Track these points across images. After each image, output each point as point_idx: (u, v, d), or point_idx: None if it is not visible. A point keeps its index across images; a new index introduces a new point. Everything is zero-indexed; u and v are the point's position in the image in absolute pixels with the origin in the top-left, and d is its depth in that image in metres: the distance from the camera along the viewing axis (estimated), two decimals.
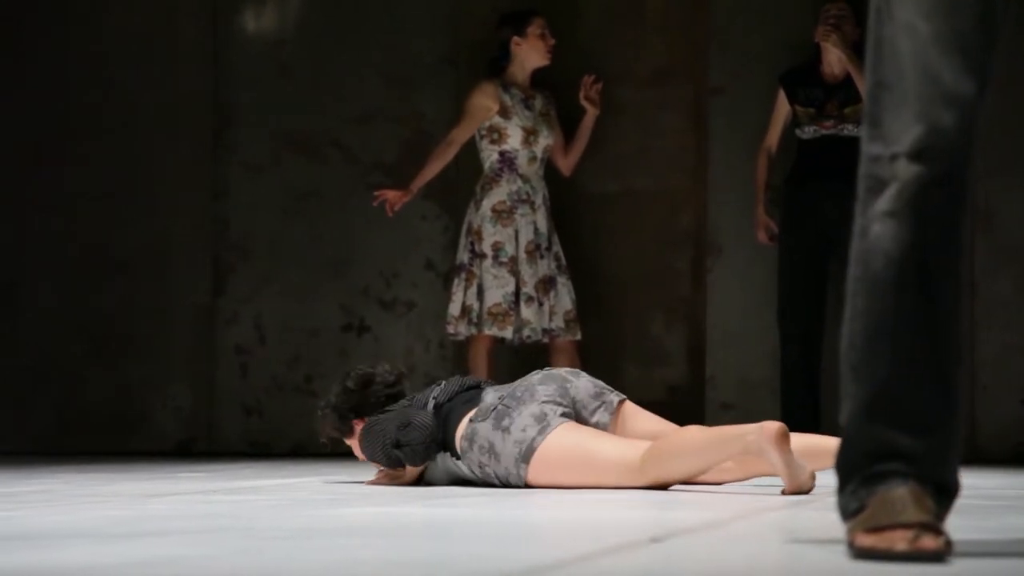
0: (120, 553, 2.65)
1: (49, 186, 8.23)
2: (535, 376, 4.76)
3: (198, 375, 8.18)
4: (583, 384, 4.75)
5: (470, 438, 4.64)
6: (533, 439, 4.57)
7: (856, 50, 7.08)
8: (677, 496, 4.27)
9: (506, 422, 4.60)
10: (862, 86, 6.49)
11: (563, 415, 4.63)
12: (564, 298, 7.44)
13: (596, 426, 4.71)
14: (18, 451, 7.81)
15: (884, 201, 2.46)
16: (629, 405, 4.80)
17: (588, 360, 7.55)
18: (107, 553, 2.65)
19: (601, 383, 4.81)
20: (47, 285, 8.22)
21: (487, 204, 7.37)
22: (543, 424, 4.59)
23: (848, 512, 2.48)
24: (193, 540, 2.88)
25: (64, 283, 8.22)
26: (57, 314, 8.21)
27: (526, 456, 4.57)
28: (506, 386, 4.78)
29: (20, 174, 8.26)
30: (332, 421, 5.00)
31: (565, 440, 4.57)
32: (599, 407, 4.74)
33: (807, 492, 4.26)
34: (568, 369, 4.90)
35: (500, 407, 4.63)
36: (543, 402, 4.63)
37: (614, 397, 4.77)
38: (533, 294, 7.32)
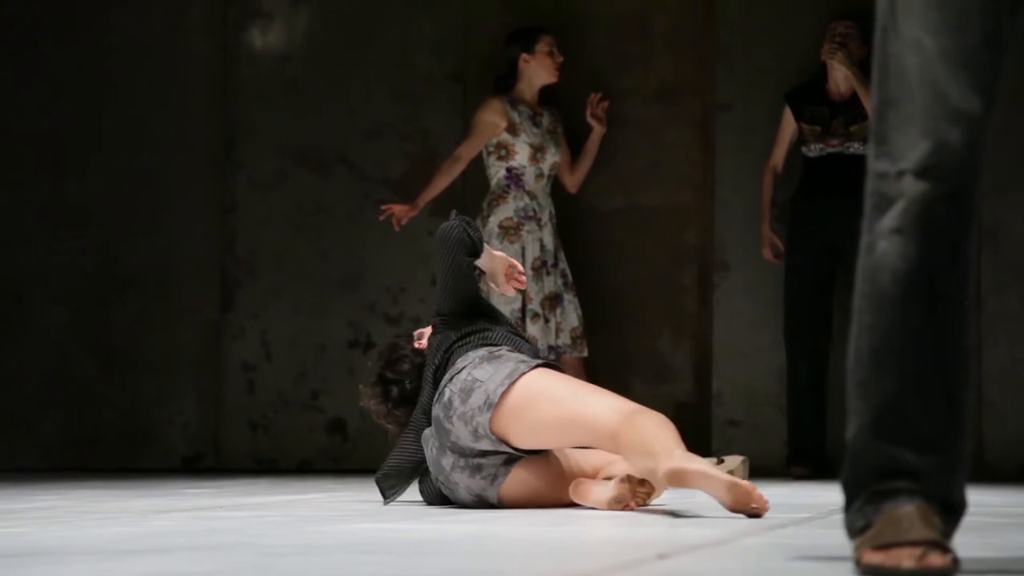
0: (125, 570, 2.65)
1: (57, 201, 8.24)
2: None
3: (205, 391, 8.18)
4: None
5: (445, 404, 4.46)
6: (501, 382, 4.33)
7: (862, 68, 7.08)
8: (684, 513, 4.26)
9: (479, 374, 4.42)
10: (868, 104, 6.50)
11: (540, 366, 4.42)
12: (571, 315, 7.44)
13: None
14: (24, 467, 7.81)
15: (891, 218, 2.46)
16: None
17: (594, 376, 7.55)
18: (112, 570, 2.64)
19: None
20: (54, 300, 8.23)
21: (494, 220, 7.37)
22: (514, 371, 4.37)
23: (855, 529, 2.47)
24: (198, 557, 2.87)
25: (71, 298, 8.22)
26: (64, 329, 8.21)
27: (492, 402, 4.32)
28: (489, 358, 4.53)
29: (28, 189, 8.27)
30: (377, 396, 4.83)
31: (537, 383, 4.34)
32: None
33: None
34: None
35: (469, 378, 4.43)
36: (519, 361, 4.43)
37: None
38: (539, 311, 7.32)
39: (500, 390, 4.33)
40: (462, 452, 4.39)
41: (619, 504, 4.22)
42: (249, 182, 8.21)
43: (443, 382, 4.47)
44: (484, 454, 4.38)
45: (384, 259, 8.03)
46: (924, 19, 2.48)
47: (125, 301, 8.21)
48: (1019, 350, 7.37)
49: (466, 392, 4.39)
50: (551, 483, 4.44)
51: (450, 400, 4.41)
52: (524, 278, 4.81)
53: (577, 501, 4.37)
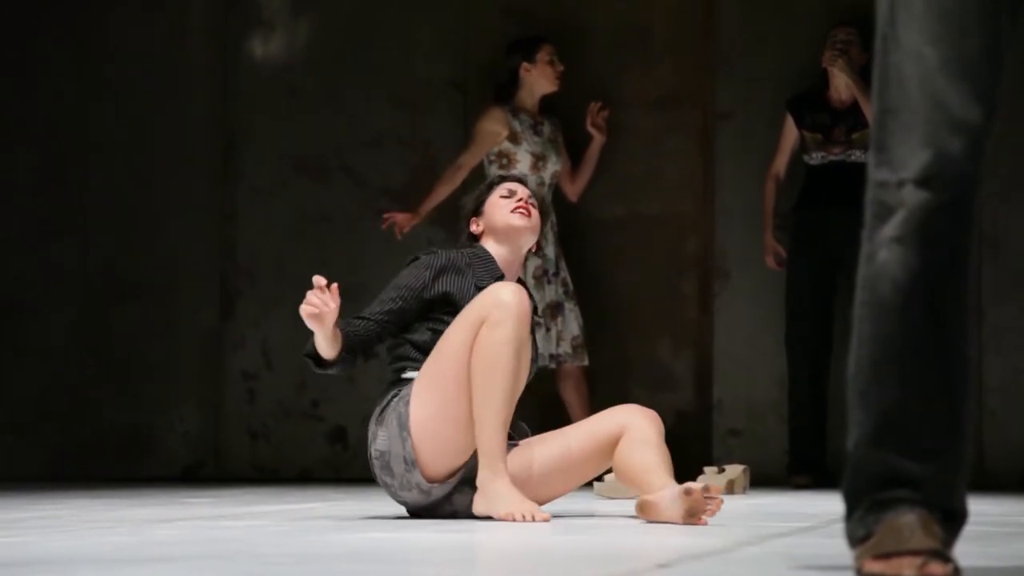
0: None
1: (58, 209, 8.24)
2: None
3: (205, 400, 8.18)
4: None
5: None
6: (401, 437, 4.35)
7: (863, 75, 7.08)
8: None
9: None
10: (869, 112, 6.50)
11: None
12: (571, 324, 7.44)
13: None
14: (24, 476, 7.80)
15: (891, 227, 2.46)
16: None
17: (595, 385, 7.55)
18: None
19: None
20: (55, 309, 8.23)
21: None
22: (401, 423, 4.37)
23: (855, 539, 2.47)
24: (199, 566, 2.87)
25: (72, 307, 8.22)
26: (64, 338, 8.21)
27: (412, 458, 4.35)
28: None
29: (28, 198, 8.27)
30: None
31: (418, 417, 4.34)
32: None
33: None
34: None
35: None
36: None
37: None
38: (540, 319, 7.32)
39: (408, 445, 4.34)
40: (428, 497, 4.41)
41: (694, 518, 4.09)
42: (249, 190, 8.21)
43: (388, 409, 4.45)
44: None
45: (385, 268, 8.02)
46: (924, 28, 2.48)
47: (125, 309, 8.20)
48: (1020, 359, 7.37)
49: (385, 467, 4.40)
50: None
51: (380, 473, 4.44)
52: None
53: (647, 518, 4.28)
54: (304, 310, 4.24)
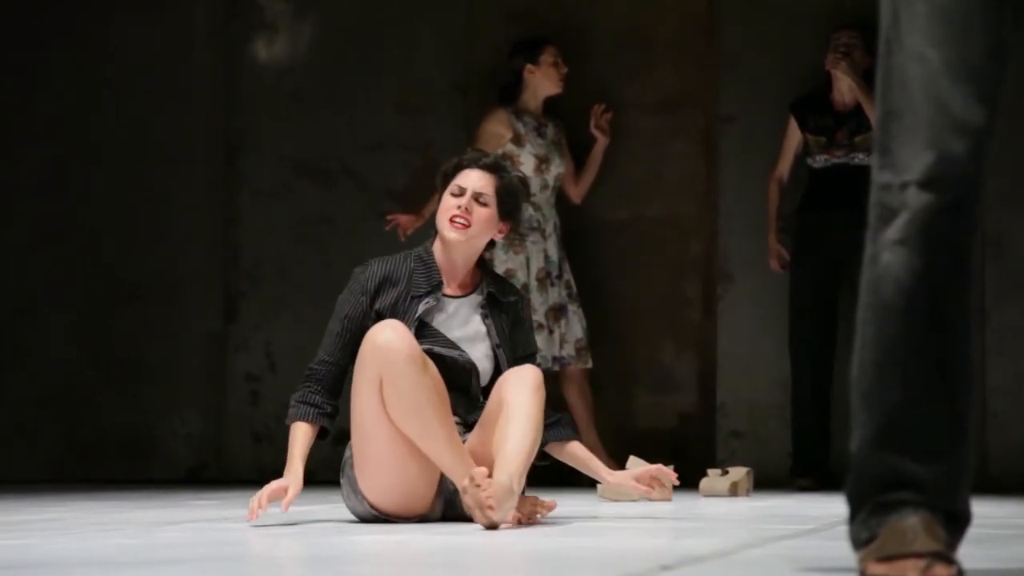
0: None
1: (61, 213, 8.24)
2: None
3: (208, 402, 8.18)
4: None
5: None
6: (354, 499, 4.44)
7: (866, 78, 7.08)
8: (688, 524, 4.26)
9: None
10: (872, 114, 6.49)
11: None
12: (575, 326, 7.44)
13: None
14: (28, 479, 7.81)
15: (894, 229, 2.47)
16: None
17: (599, 387, 7.55)
18: None
19: None
20: (58, 312, 8.23)
21: None
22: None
23: (859, 541, 2.47)
24: (203, 568, 2.87)
25: (75, 310, 8.22)
26: (68, 341, 8.22)
27: (355, 487, 4.42)
28: None
29: (32, 201, 8.27)
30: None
31: (362, 451, 4.40)
32: None
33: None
34: None
35: None
36: None
37: None
38: (543, 322, 7.32)
39: (366, 505, 4.40)
40: (427, 518, 4.41)
41: (480, 513, 3.98)
42: (253, 194, 8.21)
43: None
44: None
45: None
46: (927, 31, 2.49)
47: (129, 313, 8.21)
48: (1023, 362, 7.36)
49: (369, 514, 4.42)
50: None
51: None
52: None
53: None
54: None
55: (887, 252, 2.47)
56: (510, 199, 4.56)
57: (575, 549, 3.48)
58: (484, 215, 4.50)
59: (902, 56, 2.50)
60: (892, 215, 2.47)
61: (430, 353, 4.34)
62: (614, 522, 4.43)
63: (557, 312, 7.39)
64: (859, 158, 7.21)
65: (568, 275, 7.49)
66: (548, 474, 7.76)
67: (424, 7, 8.11)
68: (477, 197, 4.51)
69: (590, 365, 7.45)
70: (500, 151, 7.46)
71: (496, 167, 4.60)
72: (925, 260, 2.45)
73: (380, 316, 4.42)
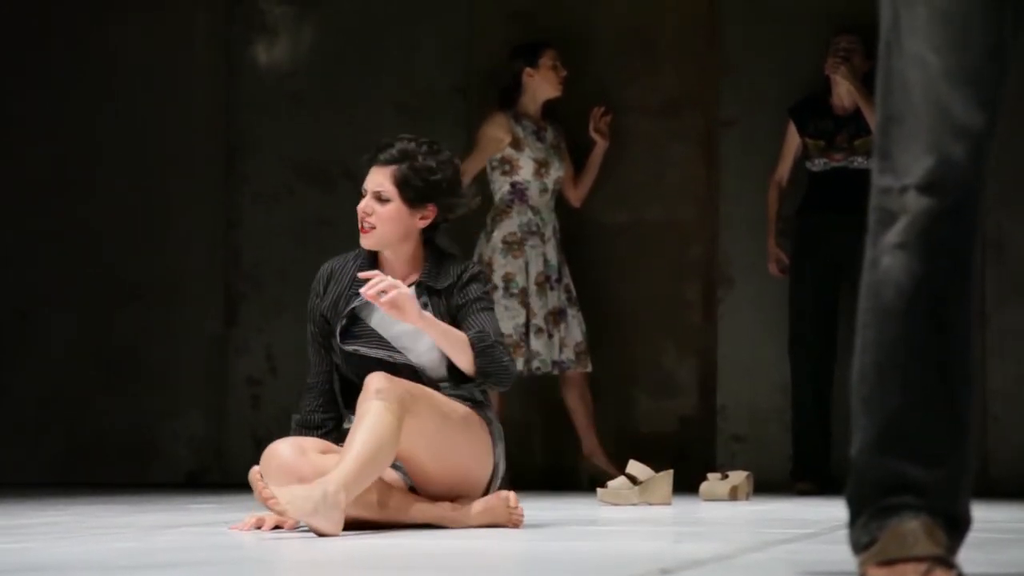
0: None
1: (62, 215, 8.24)
2: None
3: (209, 405, 8.18)
4: None
5: None
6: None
7: (866, 82, 7.08)
8: (688, 528, 4.26)
9: None
10: (871, 118, 6.50)
11: None
12: (574, 330, 7.44)
13: None
14: (28, 482, 7.81)
15: (894, 233, 2.47)
16: None
17: (599, 391, 7.55)
18: None
19: None
20: (59, 314, 8.23)
21: (498, 235, 7.38)
22: None
23: (859, 545, 2.47)
24: (205, 572, 2.87)
25: (76, 312, 8.22)
26: (69, 343, 8.22)
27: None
28: None
29: (33, 203, 8.27)
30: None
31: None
32: None
33: None
34: None
35: None
36: None
37: None
38: (543, 325, 7.32)
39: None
40: None
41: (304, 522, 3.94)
42: (253, 196, 8.21)
43: None
44: None
45: None
46: (927, 35, 2.49)
47: (130, 315, 8.20)
48: (1023, 365, 7.36)
49: None
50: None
51: None
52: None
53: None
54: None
55: (887, 256, 2.47)
56: (415, 185, 4.40)
57: (574, 553, 3.48)
58: (387, 212, 4.38)
59: (902, 60, 2.50)
60: (892, 219, 2.47)
61: (356, 355, 4.33)
62: (613, 526, 4.44)
63: (557, 316, 7.39)
64: (858, 162, 7.22)
65: (568, 279, 7.49)
66: (547, 477, 7.79)
67: (424, 9, 8.11)
68: (377, 196, 4.40)
69: (590, 369, 7.45)
70: (499, 155, 7.46)
71: (396, 157, 4.45)
72: (925, 264, 2.45)
73: (324, 317, 4.41)
